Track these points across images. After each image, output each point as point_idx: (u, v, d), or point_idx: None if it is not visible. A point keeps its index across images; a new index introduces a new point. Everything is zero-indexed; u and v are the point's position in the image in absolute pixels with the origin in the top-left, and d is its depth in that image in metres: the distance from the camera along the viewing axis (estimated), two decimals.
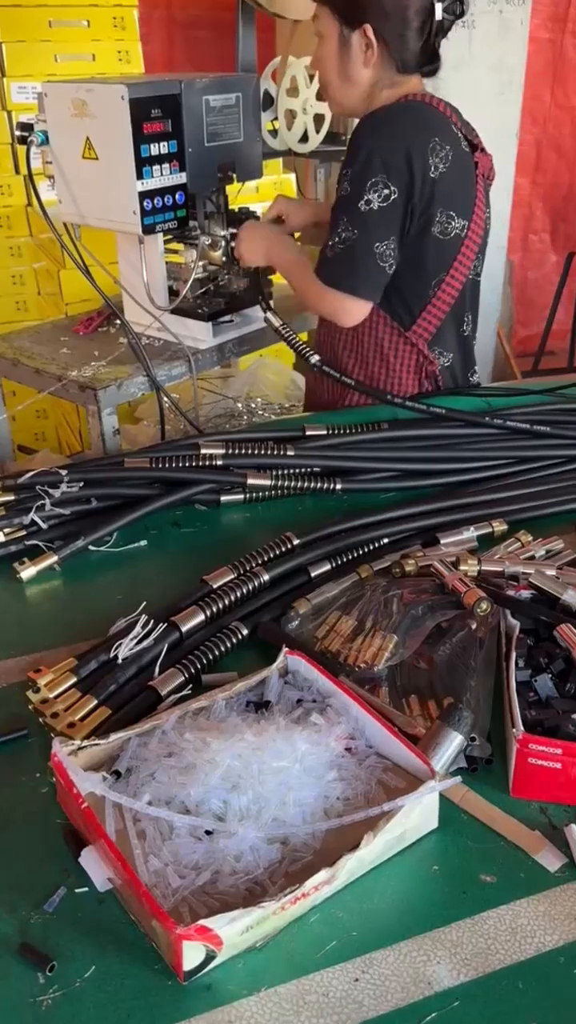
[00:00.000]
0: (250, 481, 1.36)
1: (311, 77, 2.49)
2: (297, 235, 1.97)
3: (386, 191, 1.48)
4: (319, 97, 2.51)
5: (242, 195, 2.12)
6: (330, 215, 1.58)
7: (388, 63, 1.55)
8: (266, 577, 1.15)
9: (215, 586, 1.13)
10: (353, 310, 1.58)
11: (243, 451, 1.37)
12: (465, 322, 1.71)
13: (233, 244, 1.81)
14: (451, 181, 1.52)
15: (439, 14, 1.50)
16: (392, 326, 1.64)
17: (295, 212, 1.91)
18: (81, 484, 1.31)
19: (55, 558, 1.22)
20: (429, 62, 1.57)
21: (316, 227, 1.91)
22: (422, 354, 1.66)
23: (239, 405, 2.38)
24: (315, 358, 1.65)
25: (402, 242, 1.54)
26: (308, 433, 1.46)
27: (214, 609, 1.09)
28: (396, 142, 1.49)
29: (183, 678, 0.99)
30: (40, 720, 0.96)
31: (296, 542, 1.22)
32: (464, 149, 1.56)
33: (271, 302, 1.78)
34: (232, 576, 1.15)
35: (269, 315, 1.72)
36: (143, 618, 1.05)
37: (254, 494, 1.38)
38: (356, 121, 1.63)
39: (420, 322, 1.63)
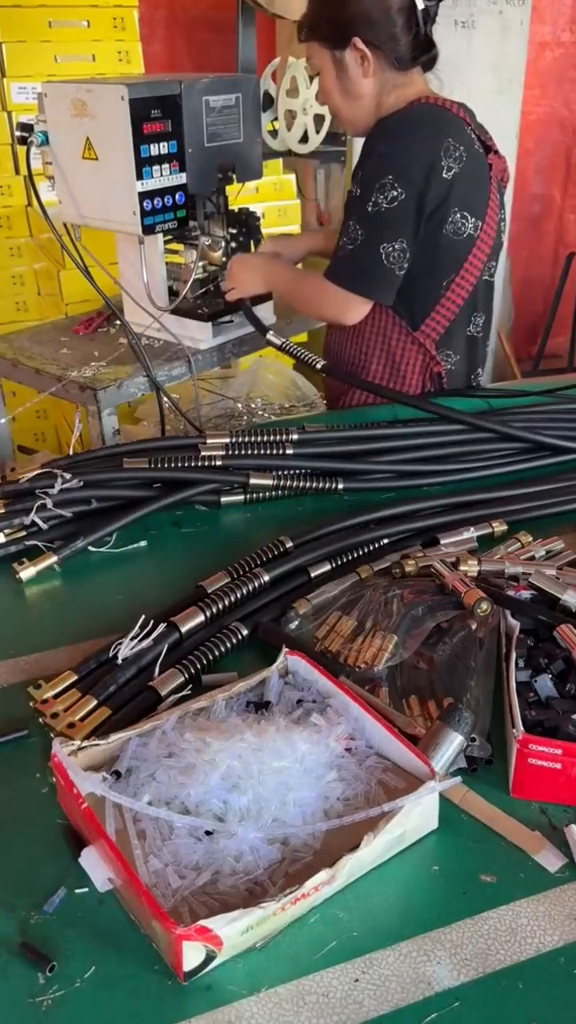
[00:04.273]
0: (253, 481, 1.36)
1: (311, 78, 2.50)
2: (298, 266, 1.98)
3: (393, 192, 1.49)
4: (319, 98, 2.52)
5: (242, 195, 2.12)
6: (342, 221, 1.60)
7: (386, 66, 1.56)
8: (266, 578, 1.15)
9: (210, 591, 1.13)
10: (355, 308, 1.61)
11: (243, 452, 1.37)
12: (473, 323, 1.70)
13: (222, 283, 1.82)
14: (465, 181, 1.53)
15: (421, 3, 1.50)
16: (400, 326, 1.64)
17: (290, 248, 1.92)
18: (81, 484, 1.31)
19: (55, 558, 1.22)
20: (425, 52, 1.58)
21: (315, 255, 1.92)
22: (428, 354, 1.66)
23: (239, 405, 2.38)
24: (320, 364, 1.65)
25: (415, 243, 1.54)
26: (307, 430, 1.45)
27: (214, 610, 1.09)
28: (406, 143, 1.50)
29: (183, 678, 0.99)
30: (40, 720, 0.96)
31: (289, 545, 1.22)
32: (477, 150, 1.57)
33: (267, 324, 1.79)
34: (227, 580, 1.15)
35: (270, 336, 1.71)
36: (142, 618, 1.05)
37: (254, 495, 1.38)
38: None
39: (428, 322, 1.63)
